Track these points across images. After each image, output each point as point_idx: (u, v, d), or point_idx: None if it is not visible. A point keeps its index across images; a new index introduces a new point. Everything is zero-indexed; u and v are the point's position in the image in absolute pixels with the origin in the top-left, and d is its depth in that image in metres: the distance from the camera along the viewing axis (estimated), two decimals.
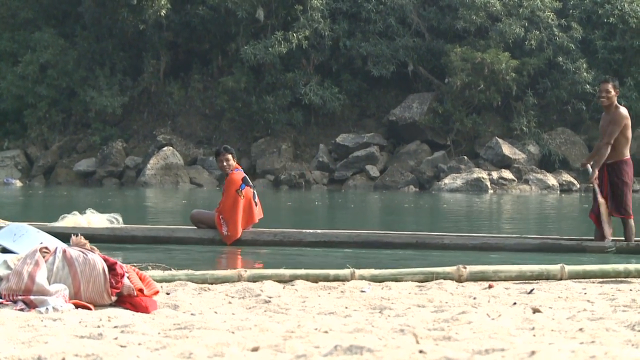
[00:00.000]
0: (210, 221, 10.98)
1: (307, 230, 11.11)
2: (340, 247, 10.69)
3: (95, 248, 5.97)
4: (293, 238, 10.88)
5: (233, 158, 11.00)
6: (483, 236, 10.94)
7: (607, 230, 10.49)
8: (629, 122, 10.59)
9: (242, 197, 10.85)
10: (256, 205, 11.01)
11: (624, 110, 10.63)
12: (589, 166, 10.63)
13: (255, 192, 11.07)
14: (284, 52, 32.66)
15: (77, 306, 5.64)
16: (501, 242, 10.62)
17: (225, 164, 10.94)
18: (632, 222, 10.59)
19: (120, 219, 11.13)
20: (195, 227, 11.13)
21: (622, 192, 10.53)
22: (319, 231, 11.08)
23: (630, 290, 6.83)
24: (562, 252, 10.27)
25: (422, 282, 7.22)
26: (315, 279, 7.20)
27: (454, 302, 6.19)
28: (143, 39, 34.55)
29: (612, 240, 10.47)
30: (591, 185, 10.75)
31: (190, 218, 11.26)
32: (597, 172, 10.54)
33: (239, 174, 11.02)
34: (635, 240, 10.54)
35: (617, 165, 10.59)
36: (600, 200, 10.54)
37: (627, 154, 10.65)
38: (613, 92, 10.62)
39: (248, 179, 11.17)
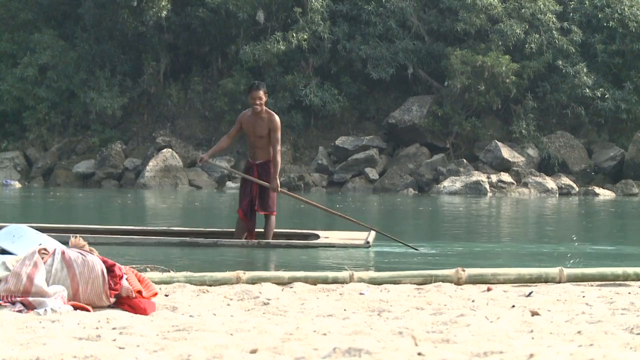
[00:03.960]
0: None
1: None
2: None
3: (94, 250, 5.97)
4: None
5: None
6: (128, 236, 11.49)
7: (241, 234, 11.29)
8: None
9: None
10: None
11: (277, 117, 11.41)
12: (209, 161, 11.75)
13: None
14: (282, 51, 32.61)
15: (75, 308, 5.63)
16: (142, 240, 11.31)
17: None
18: (273, 218, 11.37)
19: None
20: None
21: (269, 190, 11.25)
22: None
23: (629, 293, 6.83)
24: (200, 249, 11.04)
25: (421, 284, 7.22)
26: (314, 281, 7.20)
27: (452, 305, 6.19)
28: (143, 41, 34.52)
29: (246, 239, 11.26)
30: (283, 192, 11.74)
31: None
32: (278, 183, 11.29)
33: None
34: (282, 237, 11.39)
35: (267, 165, 11.32)
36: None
37: None
38: (264, 98, 11.39)
39: None
